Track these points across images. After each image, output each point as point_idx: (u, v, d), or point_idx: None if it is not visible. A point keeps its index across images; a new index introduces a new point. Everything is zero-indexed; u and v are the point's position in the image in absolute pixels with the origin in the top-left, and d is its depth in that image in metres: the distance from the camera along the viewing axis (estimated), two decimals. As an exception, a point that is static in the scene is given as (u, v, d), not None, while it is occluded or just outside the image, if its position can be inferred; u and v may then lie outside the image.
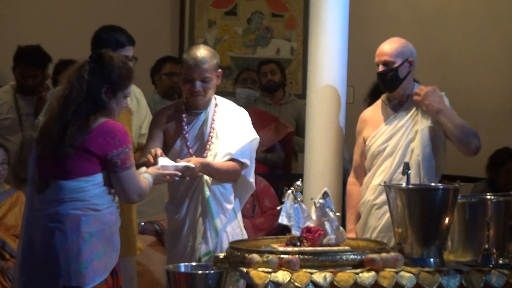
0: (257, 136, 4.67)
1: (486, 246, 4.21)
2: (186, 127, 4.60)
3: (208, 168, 4.47)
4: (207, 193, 4.55)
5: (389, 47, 4.82)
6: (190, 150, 4.57)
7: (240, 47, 8.11)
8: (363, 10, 7.82)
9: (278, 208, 4.27)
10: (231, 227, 4.63)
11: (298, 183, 4.28)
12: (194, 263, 4.29)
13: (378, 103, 4.99)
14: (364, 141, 4.94)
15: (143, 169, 4.23)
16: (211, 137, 4.58)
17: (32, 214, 3.98)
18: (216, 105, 4.65)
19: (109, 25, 4.96)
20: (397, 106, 4.90)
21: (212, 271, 4.04)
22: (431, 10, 8.41)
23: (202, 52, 4.54)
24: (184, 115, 4.61)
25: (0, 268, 5.63)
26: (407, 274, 4.03)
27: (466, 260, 4.28)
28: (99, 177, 3.93)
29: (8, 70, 6.37)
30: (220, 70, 4.61)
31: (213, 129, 4.59)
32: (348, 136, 5.32)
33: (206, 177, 4.55)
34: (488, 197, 4.45)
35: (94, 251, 3.88)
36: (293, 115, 7.37)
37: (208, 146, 4.57)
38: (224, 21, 8.12)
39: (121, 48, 4.74)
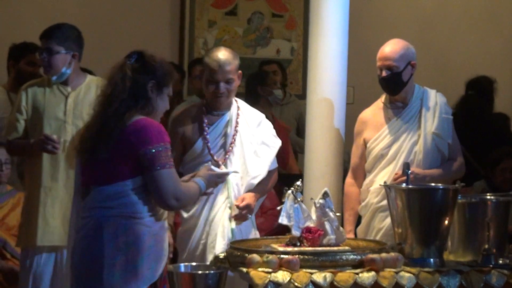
0: (280, 141, 4.76)
1: (486, 246, 4.21)
2: (207, 128, 4.62)
3: (257, 198, 4.67)
4: (226, 194, 4.58)
5: (392, 51, 4.78)
6: (211, 152, 4.60)
7: (240, 47, 8.10)
8: (364, 10, 7.84)
9: (278, 208, 4.27)
10: (244, 226, 4.64)
11: (298, 183, 4.28)
12: (194, 263, 4.29)
13: (379, 104, 4.98)
14: (365, 143, 4.93)
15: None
16: (235, 140, 4.62)
17: (78, 221, 3.88)
18: (238, 107, 4.70)
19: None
20: (399, 109, 4.89)
21: (212, 271, 4.04)
22: (431, 10, 8.41)
23: (224, 54, 4.60)
24: (205, 116, 4.64)
25: (1, 268, 5.64)
26: (407, 274, 4.03)
27: (466, 260, 4.28)
28: (137, 181, 3.76)
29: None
30: (240, 71, 4.67)
31: (237, 131, 4.63)
32: (348, 136, 5.32)
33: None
34: (488, 197, 4.45)
35: (130, 261, 3.72)
36: (294, 115, 7.37)
37: (230, 148, 4.61)
38: (224, 21, 8.12)
39: None
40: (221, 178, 4.18)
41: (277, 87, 7.02)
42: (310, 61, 5.32)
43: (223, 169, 4.28)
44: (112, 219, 3.74)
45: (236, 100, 4.71)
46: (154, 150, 3.73)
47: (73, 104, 4.95)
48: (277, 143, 4.73)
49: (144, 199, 3.77)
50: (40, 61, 5.02)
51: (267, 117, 4.84)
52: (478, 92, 7.07)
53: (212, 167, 4.17)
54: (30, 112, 4.96)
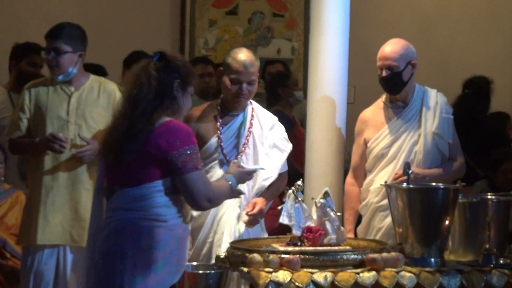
0: (291, 144, 4.78)
1: (487, 246, 4.21)
2: (221, 128, 4.66)
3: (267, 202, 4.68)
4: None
5: (392, 51, 4.79)
6: (224, 151, 4.62)
7: (241, 47, 8.08)
8: (364, 10, 7.83)
9: (279, 208, 4.28)
10: (253, 228, 4.64)
11: (299, 182, 4.28)
12: (195, 263, 4.29)
13: (379, 104, 4.98)
14: (365, 142, 4.94)
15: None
16: (248, 141, 4.65)
17: (99, 222, 3.87)
18: (252, 109, 4.73)
19: None
20: (399, 108, 4.90)
21: (212, 271, 4.05)
22: (431, 10, 8.41)
23: (248, 55, 4.65)
24: (219, 116, 4.68)
25: (1, 268, 5.63)
26: (408, 274, 4.03)
27: (467, 260, 4.28)
28: (164, 183, 3.74)
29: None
30: (258, 73, 4.69)
31: (250, 133, 4.66)
32: (349, 136, 5.32)
33: None
34: (489, 197, 4.46)
35: (151, 265, 3.69)
36: (297, 115, 7.36)
37: (243, 148, 4.64)
38: (224, 21, 8.12)
39: None
40: (250, 175, 4.17)
41: (298, 88, 7.04)
42: (311, 60, 5.33)
43: (251, 166, 4.29)
44: (135, 221, 3.72)
45: (250, 102, 4.74)
46: (184, 153, 3.71)
47: (76, 103, 4.96)
48: (288, 147, 4.74)
49: (169, 202, 3.76)
50: (43, 61, 5.02)
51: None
52: (475, 91, 7.06)
53: (241, 164, 4.18)
54: (33, 111, 4.97)
